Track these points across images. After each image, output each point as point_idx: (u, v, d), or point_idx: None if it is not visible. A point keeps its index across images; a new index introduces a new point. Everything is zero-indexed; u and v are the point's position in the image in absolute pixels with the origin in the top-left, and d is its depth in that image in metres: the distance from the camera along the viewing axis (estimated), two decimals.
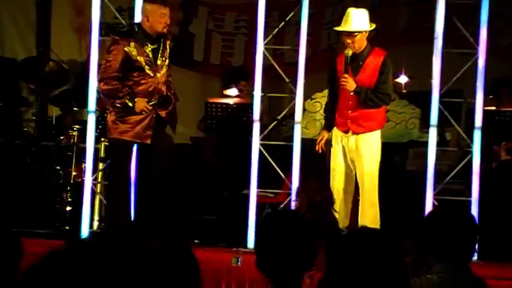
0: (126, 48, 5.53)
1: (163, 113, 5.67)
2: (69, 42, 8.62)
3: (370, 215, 5.72)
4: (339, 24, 5.96)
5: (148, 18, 5.62)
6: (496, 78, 6.72)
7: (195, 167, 7.28)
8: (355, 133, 5.81)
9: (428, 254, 3.04)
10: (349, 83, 5.73)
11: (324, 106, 6.23)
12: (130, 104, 5.53)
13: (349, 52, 5.74)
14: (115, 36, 5.74)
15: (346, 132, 5.84)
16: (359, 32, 5.76)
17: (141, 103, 5.56)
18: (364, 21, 5.79)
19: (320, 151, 5.93)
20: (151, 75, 5.60)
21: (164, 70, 5.68)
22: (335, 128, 5.91)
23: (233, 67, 8.21)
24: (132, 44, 5.56)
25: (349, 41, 5.76)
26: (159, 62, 5.63)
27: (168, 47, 5.72)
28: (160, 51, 5.65)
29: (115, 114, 5.61)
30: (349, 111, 5.82)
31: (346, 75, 5.74)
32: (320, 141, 5.93)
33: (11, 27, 8.80)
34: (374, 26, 5.85)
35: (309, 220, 2.86)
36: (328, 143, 5.94)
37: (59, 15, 8.79)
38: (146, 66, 5.58)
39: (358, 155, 5.78)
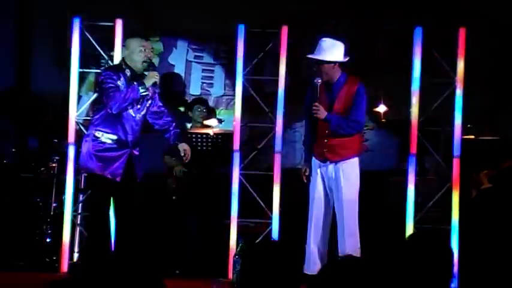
0: (118, 82, 5.56)
1: (136, 151, 5.68)
2: (49, 74, 8.61)
3: (349, 244, 5.72)
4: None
5: (129, 52, 5.64)
6: (477, 107, 6.81)
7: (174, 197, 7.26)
8: (332, 161, 5.82)
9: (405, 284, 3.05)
10: (320, 111, 5.76)
11: (303, 138, 6.24)
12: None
13: (319, 80, 5.78)
14: (107, 70, 5.71)
15: (324, 161, 5.85)
16: (323, 61, 5.78)
17: (152, 74, 5.57)
18: (333, 52, 5.77)
19: (307, 181, 5.93)
20: (133, 115, 5.62)
21: (144, 111, 5.68)
22: (314, 158, 5.93)
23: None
24: (122, 79, 5.58)
25: (315, 69, 5.81)
26: (139, 106, 5.64)
27: (151, 88, 5.68)
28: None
29: (92, 147, 5.59)
30: (325, 140, 5.84)
31: (316, 104, 5.77)
32: (304, 172, 5.92)
33: None
34: (347, 58, 5.84)
35: (292, 250, 2.87)
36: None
37: (39, 47, 8.79)
38: (129, 106, 5.59)
39: (337, 184, 5.79)
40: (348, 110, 5.81)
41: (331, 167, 5.82)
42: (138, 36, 5.73)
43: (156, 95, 5.80)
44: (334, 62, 5.78)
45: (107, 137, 5.58)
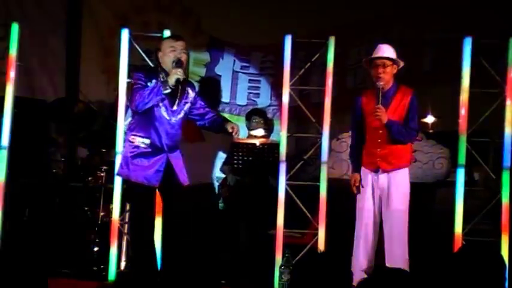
0: (148, 83, 5.42)
1: (174, 156, 5.49)
2: (97, 84, 8.72)
3: (398, 255, 5.66)
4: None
5: (162, 55, 5.53)
6: None
7: (221, 205, 7.30)
8: (385, 171, 5.78)
9: None
10: (384, 114, 5.72)
11: (349, 149, 6.19)
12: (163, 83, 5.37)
13: (381, 84, 5.75)
14: (138, 72, 5.58)
15: (376, 171, 5.81)
16: (393, 60, 5.76)
17: (174, 71, 5.38)
18: (395, 55, 5.82)
19: (357, 192, 5.87)
20: (167, 118, 5.47)
21: (182, 115, 5.53)
22: (363, 168, 5.88)
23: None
24: (154, 81, 5.43)
25: (380, 71, 5.76)
26: (175, 108, 5.50)
27: (190, 91, 5.59)
28: (179, 95, 5.52)
29: (129, 152, 5.51)
30: (378, 150, 5.80)
31: (380, 106, 5.72)
32: (354, 183, 5.87)
33: (40, 68, 8.93)
34: (402, 63, 5.87)
35: (340, 261, 2.85)
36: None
37: (88, 57, 8.91)
38: (162, 108, 5.46)
39: (388, 194, 5.75)
40: (401, 119, 5.78)
41: (382, 176, 5.78)
42: (170, 37, 5.67)
43: (198, 98, 5.66)
44: (398, 64, 5.77)
45: (140, 141, 5.46)
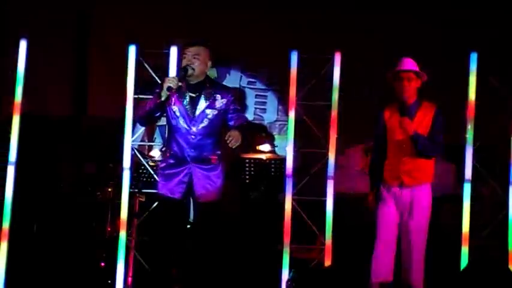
0: (162, 92, 5.27)
1: (200, 167, 5.35)
2: (105, 100, 8.76)
3: (415, 271, 5.61)
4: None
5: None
6: None
7: (227, 220, 7.30)
8: (408, 186, 5.71)
9: None
10: (410, 126, 5.65)
11: (370, 164, 6.12)
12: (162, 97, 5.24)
13: (406, 96, 5.70)
14: (155, 87, 5.47)
15: (400, 186, 5.74)
16: (417, 73, 5.72)
17: (166, 80, 5.25)
18: (418, 69, 5.78)
19: (372, 209, 5.82)
20: (186, 127, 5.34)
21: (205, 123, 5.35)
22: (386, 183, 5.76)
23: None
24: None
25: (405, 84, 5.70)
26: (197, 113, 5.34)
27: (219, 97, 5.37)
28: (200, 102, 5.36)
29: (161, 164, 5.48)
30: (402, 164, 5.73)
31: (406, 117, 5.66)
32: (371, 199, 5.83)
33: (48, 85, 8.99)
34: (426, 77, 5.81)
35: (349, 277, 2.87)
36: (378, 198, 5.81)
37: (96, 74, 8.96)
38: (180, 118, 5.36)
39: (410, 208, 5.68)
40: (425, 133, 5.73)
41: (405, 191, 5.69)
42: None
43: (232, 104, 5.41)
44: (422, 78, 5.76)
45: (167, 153, 5.42)
